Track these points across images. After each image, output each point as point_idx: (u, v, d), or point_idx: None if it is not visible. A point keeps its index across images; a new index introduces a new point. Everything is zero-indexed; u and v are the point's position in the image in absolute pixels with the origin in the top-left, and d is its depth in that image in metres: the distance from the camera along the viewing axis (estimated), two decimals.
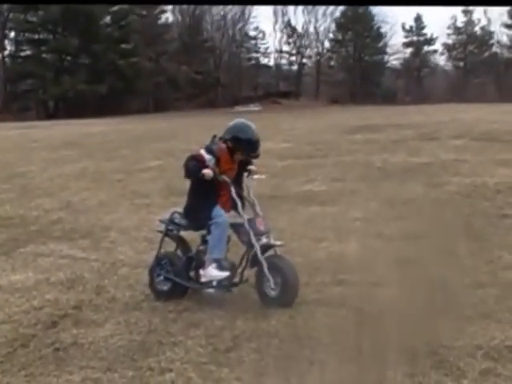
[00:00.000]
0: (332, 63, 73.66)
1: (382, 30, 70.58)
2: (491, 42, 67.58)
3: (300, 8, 71.32)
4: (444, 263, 6.79)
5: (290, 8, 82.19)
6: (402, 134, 20.76)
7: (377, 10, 73.00)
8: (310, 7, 70.01)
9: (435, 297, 5.85)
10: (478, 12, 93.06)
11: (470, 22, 68.29)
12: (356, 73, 67.69)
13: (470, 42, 67.84)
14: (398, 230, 8.63)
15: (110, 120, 40.44)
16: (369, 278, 6.56)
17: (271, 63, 74.48)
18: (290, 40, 72.09)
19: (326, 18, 71.30)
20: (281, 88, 71.19)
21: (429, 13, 69.29)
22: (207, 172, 6.04)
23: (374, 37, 70.65)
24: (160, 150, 19.59)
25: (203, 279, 6.29)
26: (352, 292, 6.21)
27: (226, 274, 6.18)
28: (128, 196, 12.26)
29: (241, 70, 70.09)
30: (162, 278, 6.53)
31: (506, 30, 66.85)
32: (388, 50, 71.49)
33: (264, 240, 6.22)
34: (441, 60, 73.31)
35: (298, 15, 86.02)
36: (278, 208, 10.45)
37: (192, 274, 6.48)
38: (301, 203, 10.90)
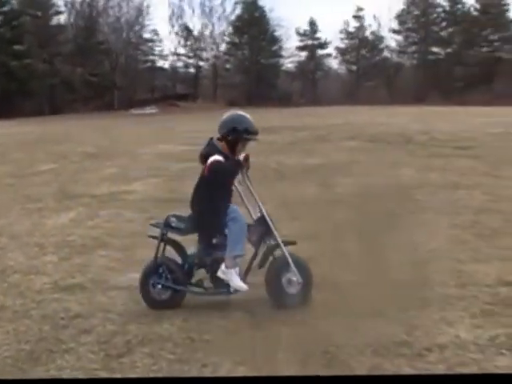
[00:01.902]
0: (229, 66, 73.95)
1: (277, 34, 71.53)
2: (381, 46, 69.67)
3: (197, 11, 71.38)
4: (335, 263, 6.95)
5: (187, 11, 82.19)
6: (297, 136, 21.11)
7: (272, 13, 73.99)
8: (206, 10, 70.13)
9: (328, 296, 5.97)
10: (368, 17, 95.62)
11: (361, 27, 70.13)
12: (252, 75, 68.23)
13: (361, 47, 69.66)
14: (292, 231, 8.73)
15: (2, 123, 39.12)
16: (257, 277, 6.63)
17: (168, 66, 74.09)
18: (187, 43, 71.89)
19: (222, 22, 71.56)
20: (178, 90, 70.86)
21: (322, 17, 70.84)
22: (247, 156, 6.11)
23: (270, 40, 71.45)
24: (54, 152, 19.11)
25: (221, 275, 6.02)
26: (249, 293, 6.22)
27: (245, 288, 6.00)
28: (19, 200, 11.86)
29: (137, 72, 69.30)
30: (159, 286, 6.15)
31: (394, 36, 69.18)
32: (283, 53, 72.48)
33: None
34: (334, 63, 74.93)
35: (194, 18, 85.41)
36: (176, 211, 10.39)
37: (193, 279, 6.22)
38: None
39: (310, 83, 70.75)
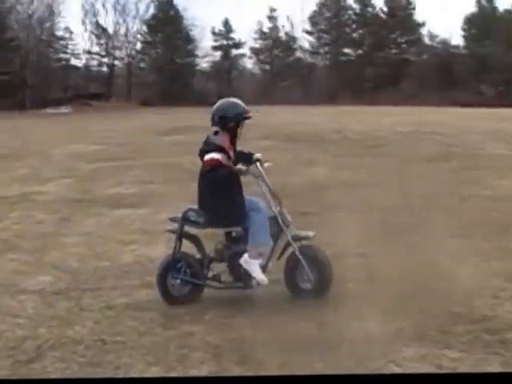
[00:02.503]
0: (143, 65, 73.21)
1: (192, 33, 71.29)
2: (295, 47, 70.44)
3: (110, 9, 70.35)
4: None
5: (100, 8, 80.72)
6: None
7: (186, 13, 73.71)
8: (119, 7, 69.20)
9: (237, 295, 6.07)
10: (282, 18, 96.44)
11: (275, 28, 70.69)
12: (167, 74, 67.73)
13: (275, 47, 70.20)
14: (206, 230, 8.75)
15: None
16: None
17: (81, 64, 72.66)
18: (100, 41, 70.73)
19: (136, 20, 70.77)
20: (92, 89, 69.54)
21: (237, 18, 71.12)
22: (243, 171, 6.02)
23: (185, 39, 71.09)
24: None
25: (243, 264, 6.00)
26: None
27: (266, 282, 6.00)
28: None
29: (50, 70, 67.58)
30: (178, 281, 6.11)
31: (307, 37, 70.06)
32: (198, 52, 72.28)
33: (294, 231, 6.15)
34: (249, 63, 75.25)
35: (107, 16, 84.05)
36: (86, 211, 10.30)
37: (210, 274, 6.19)
38: (109, 206, 10.75)
39: (225, 83, 70.83)
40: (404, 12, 66.59)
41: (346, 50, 68.70)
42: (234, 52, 72.52)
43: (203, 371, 4.50)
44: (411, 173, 12.51)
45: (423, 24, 67.05)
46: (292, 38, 70.08)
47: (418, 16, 67.87)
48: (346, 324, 5.26)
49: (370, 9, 68.51)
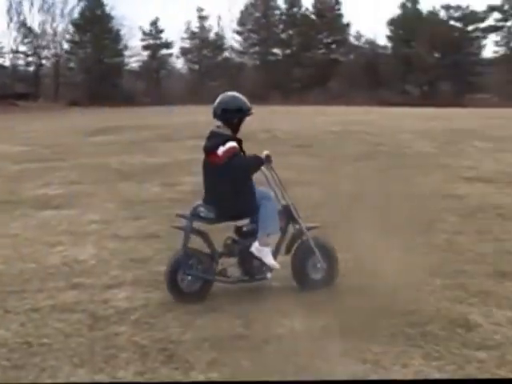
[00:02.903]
0: (71, 65, 72.04)
1: (121, 33, 70.54)
2: (224, 46, 70.49)
3: (36, 7, 68.91)
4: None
5: (26, 6, 78.98)
6: (140, 136, 20.98)
7: (115, 12, 72.82)
8: (46, 6, 67.88)
9: (164, 295, 6.05)
10: (211, 18, 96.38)
11: (203, 28, 70.62)
12: (95, 74, 66.80)
13: (204, 47, 70.09)
14: (134, 231, 8.73)
15: None
16: (104, 279, 6.58)
17: (7, 63, 70.89)
18: (26, 40, 69.19)
19: (63, 19, 69.53)
20: (18, 89, 67.95)
21: (165, 17, 70.64)
22: (270, 158, 6.25)
23: (113, 39, 70.31)
24: None
25: (255, 252, 6.05)
26: (87, 295, 6.15)
27: (278, 266, 6.11)
28: None
29: None
30: (190, 278, 6.03)
31: (236, 36, 70.20)
32: (127, 52, 71.59)
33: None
34: (178, 63, 75.00)
35: (34, 14, 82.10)
36: (11, 213, 10.08)
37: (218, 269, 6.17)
38: (35, 207, 10.55)
39: (154, 83, 70.36)
40: (332, 13, 67.47)
41: (275, 50, 69.20)
42: (163, 52, 72.11)
43: (130, 371, 4.48)
44: (339, 171, 12.70)
45: (350, 25, 68.21)
46: (220, 38, 70.15)
47: (346, 17, 69.10)
48: (273, 321, 5.31)
49: (297, 9, 69.12)
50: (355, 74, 60.27)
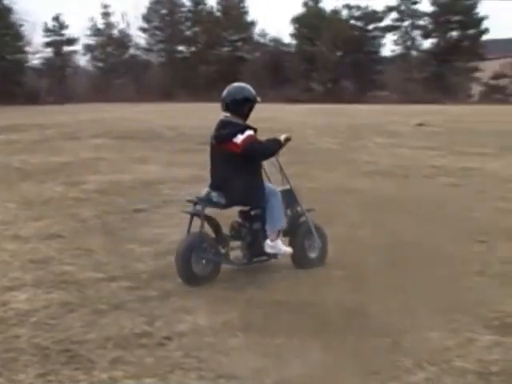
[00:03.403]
0: None
1: (23, 29, 68.43)
2: (129, 44, 69.57)
3: None
4: (77, 261, 6.98)
5: None
6: (43, 134, 20.54)
7: (17, 7, 70.62)
8: None
9: (67, 297, 5.96)
10: (116, 15, 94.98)
11: (109, 25, 69.49)
12: None
13: (109, 44, 68.97)
14: (36, 231, 8.58)
15: None
16: (3, 282, 6.45)
17: None
18: None
19: None
20: None
21: (69, 13, 69.17)
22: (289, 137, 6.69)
23: (15, 35, 68.15)
24: None
25: (270, 250, 6.46)
26: None
27: (291, 251, 6.60)
28: None
29: None
30: (204, 261, 6.27)
31: (142, 34, 69.42)
32: (29, 49, 69.55)
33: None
34: (83, 60, 73.42)
35: None
36: None
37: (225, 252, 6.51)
38: None
39: (59, 80, 68.75)
40: (237, 10, 67.69)
41: (181, 48, 68.81)
42: (67, 49, 70.52)
43: (30, 374, 4.41)
44: None
45: (255, 23, 68.61)
46: (126, 35, 69.20)
47: (251, 15, 69.44)
48: (176, 318, 5.36)
49: (203, 7, 69.00)
50: (261, 72, 60.70)
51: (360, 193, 10.66)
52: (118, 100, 48.85)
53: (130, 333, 5.08)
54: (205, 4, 68.70)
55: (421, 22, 63.65)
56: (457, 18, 61.06)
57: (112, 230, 8.50)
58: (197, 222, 6.44)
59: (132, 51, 69.55)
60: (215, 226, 6.57)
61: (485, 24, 60.63)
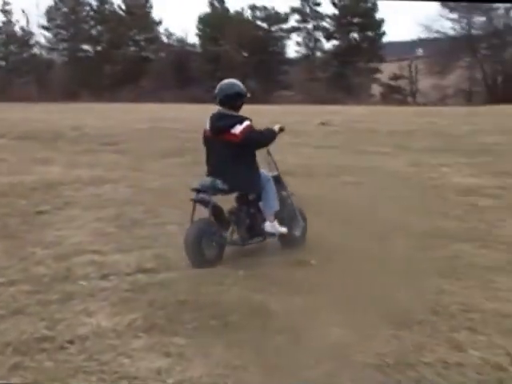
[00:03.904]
0: None
1: None
2: (31, 42, 67.81)
3: None
4: None
5: None
6: None
7: None
8: None
9: None
10: (17, 13, 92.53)
11: (9, 22, 67.44)
12: None
13: (10, 42, 66.94)
14: None
15: None
16: None
17: None
18: None
19: None
20: None
21: None
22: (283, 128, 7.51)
23: None
24: None
25: (270, 229, 7.18)
26: None
27: (285, 230, 7.31)
28: None
29: None
30: (214, 244, 6.82)
31: (44, 32, 67.81)
32: None
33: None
34: None
35: None
36: None
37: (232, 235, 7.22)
38: None
39: None
40: (142, 10, 67.05)
41: (85, 47, 67.58)
42: None
43: None
44: (146, 168, 12.76)
45: (160, 22, 68.16)
46: (28, 34, 67.35)
47: (155, 14, 68.86)
48: (78, 321, 5.29)
49: (107, 6, 67.99)
50: (166, 72, 60.39)
51: None
52: (20, 100, 47.49)
53: (30, 337, 4.96)
54: (110, 3, 67.72)
55: (323, 24, 64.88)
56: (357, 20, 62.58)
57: (13, 232, 8.27)
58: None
59: (35, 50, 67.79)
60: (219, 212, 7.13)
61: (383, 27, 62.52)
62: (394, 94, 56.53)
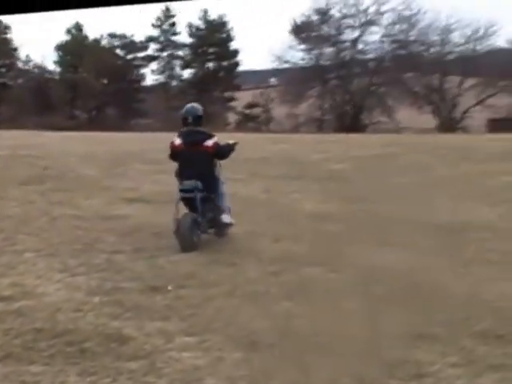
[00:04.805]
0: None
1: None
2: None
3: None
4: None
5: None
6: None
7: None
8: None
9: None
10: None
11: None
12: None
13: None
14: None
15: None
16: None
17: None
18: None
19: None
20: None
21: None
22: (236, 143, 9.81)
23: None
24: None
25: (228, 220, 9.42)
26: None
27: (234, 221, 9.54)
28: None
29: None
30: (199, 233, 8.99)
31: None
32: None
33: None
34: None
35: None
36: None
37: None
38: None
39: None
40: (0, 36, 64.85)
41: None
42: None
43: None
44: (6, 195, 12.51)
45: (18, 49, 66.11)
46: None
47: (15, 41, 66.44)
48: None
49: None
50: (24, 99, 58.64)
51: (120, 219, 10.79)
52: None
53: None
54: None
55: (180, 53, 65.37)
56: (213, 49, 63.56)
57: None
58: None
59: None
60: (195, 208, 9.02)
61: (238, 57, 63.84)
62: (249, 122, 57.64)
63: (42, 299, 6.52)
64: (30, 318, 5.97)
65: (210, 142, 9.26)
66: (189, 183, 9.02)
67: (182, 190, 9.15)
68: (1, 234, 9.28)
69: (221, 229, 9.47)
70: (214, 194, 9.34)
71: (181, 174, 9.29)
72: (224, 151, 9.45)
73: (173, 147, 9.46)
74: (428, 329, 5.78)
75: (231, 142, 9.62)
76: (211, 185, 9.23)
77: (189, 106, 9.70)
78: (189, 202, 9.12)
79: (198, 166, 9.08)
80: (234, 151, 9.63)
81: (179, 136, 9.41)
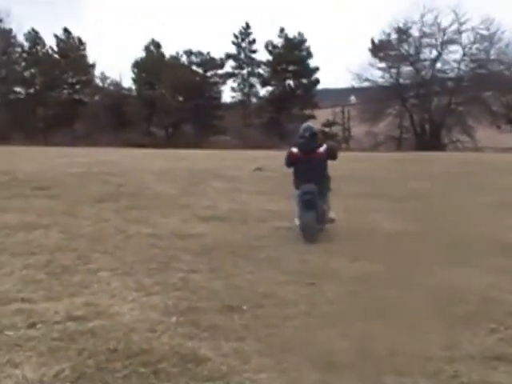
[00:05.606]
0: None
1: None
2: None
3: None
4: None
5: None
6: None
7: None
8: None
9: None
10: None
11: None
12: None
13: None
14: None
15: None
16: None
17: None
18: None
19: None
20: None
21: None
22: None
23: None
24: None
25: (334, 216, 11.33)
26: None
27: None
28: None
29: None
30: (317, 227, 10.73)
31: None
32: None
33: None
34: None
35: None
36: None
37: None
38: None
39: None
40: (76, 52, 66.87)
41: (17, 89, 66.80)
42: None
43: None
44: (79, 213, 12.60)
45: (95, 65, 68.02)
46: None
47: (91, 57, 68.58)
48: (2, 372, 5.15)
49: (39, 47, 67.40)
50: (100, 115, 60.14)
51: (196, 238, 10.75)
52: None
53: None
54: (42, 44, 67.21)
55: (259, 70, 65.90)
56: (292, 67, 63.83)
57: None
58: None
59: None
60: (313, 206, 10.70)
61: (317, 74, 63.91)
62: (328, 140, 57.51)
63: (116, 319, 6.44)
64: (103, 338, 5.88)
65: (321, 149, 11.11)
66: (308, 186, 10.61)
67: (303, 193, 10.62)
68: (74, 253, 9.27)
69: (324, 224, 11.04)
70: (325, 193, 11.04)
71: (298, 178, 11.04)
72: (334, 152, 11.35)
73: (291, 155, 11.21)
74: (507, 349, 5.65)
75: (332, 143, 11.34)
76: (323, 185, 10.94)
77: (305, 124, 11.72)
78: (309, 202, 10.46)
79: (314, 170, 10.84)
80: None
81: (295, 146, 11.25)
